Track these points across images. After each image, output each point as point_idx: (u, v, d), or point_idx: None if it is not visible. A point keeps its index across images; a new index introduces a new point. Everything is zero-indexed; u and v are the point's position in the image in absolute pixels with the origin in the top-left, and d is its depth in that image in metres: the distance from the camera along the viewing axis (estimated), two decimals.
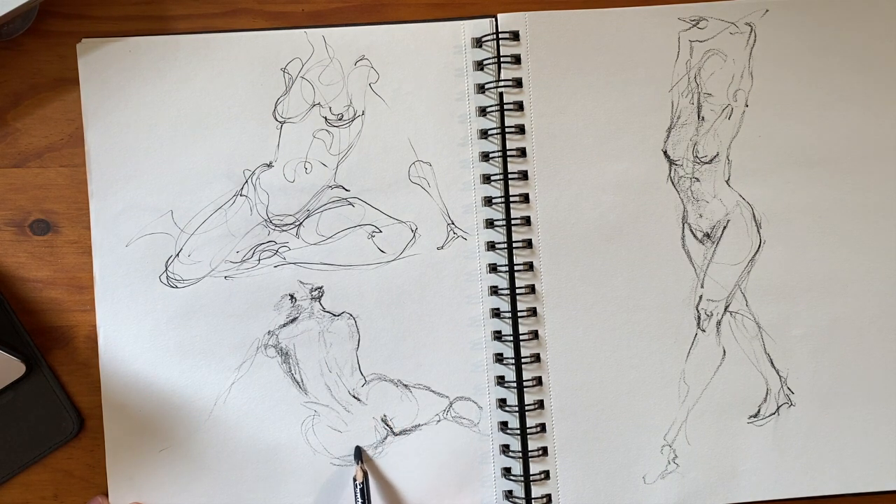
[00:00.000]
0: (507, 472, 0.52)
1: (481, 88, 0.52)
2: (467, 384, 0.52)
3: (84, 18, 0.52)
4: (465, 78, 0.52)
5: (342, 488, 0.51)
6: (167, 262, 0.51)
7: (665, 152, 0.52)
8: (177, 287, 0.51)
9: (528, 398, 0.52)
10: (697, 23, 0.52)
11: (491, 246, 0.52)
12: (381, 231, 0.52)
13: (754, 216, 0.53)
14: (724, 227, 0.53)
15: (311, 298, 0.51)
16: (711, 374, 0.52)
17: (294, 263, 0.52)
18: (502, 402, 0.52)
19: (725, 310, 0.53)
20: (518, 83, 0.52)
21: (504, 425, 0.52)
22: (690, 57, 0.52)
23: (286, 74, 0.51)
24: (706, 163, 0.53)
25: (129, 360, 0.51)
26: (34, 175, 0.52)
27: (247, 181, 0.51)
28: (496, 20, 0.52)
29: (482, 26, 0.52)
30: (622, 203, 0.52)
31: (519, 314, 0.52)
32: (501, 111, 0.52)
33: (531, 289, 0.52)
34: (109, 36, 0.51)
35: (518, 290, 0.52)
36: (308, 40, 0.51)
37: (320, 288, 0.52)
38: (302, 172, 0.52)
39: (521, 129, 0.52)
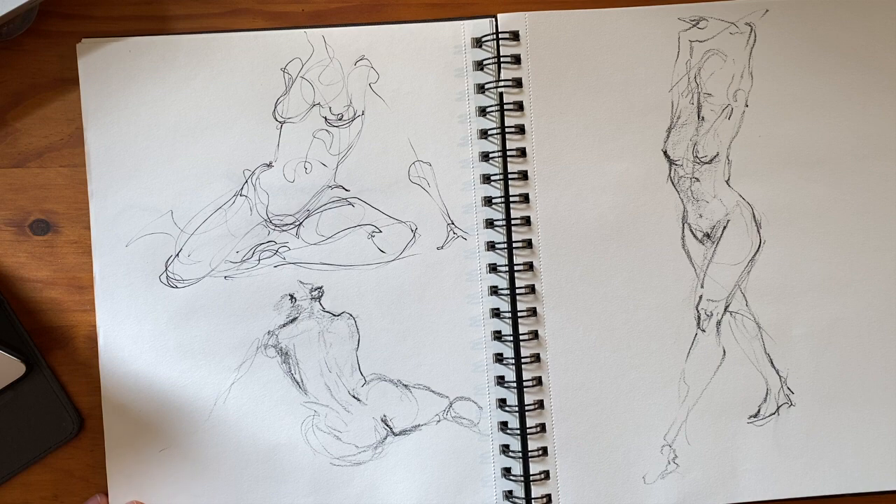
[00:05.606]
0: (507, 472, 0.52)
1: (481, 88, 0.52)
2: (467, 384, 0.52)
3: (84, 18, 0.52)
4: (465, 78, 0.52)
5: (342, 488, 0.51)
6: (167, 262, 0.51)
7: (665, 152, 0.52)
8: (177, 287, 0.51)
9: (528, 398, 0.52)
10: (697, 23, 0.52)
11: (491, 246, 0.52)
12: (381, 231, 0.52)
13: (754, 216, 0.53)
14: (724, 227, 0.53)
15: (311, 298, 0.51)
16: (711, 374, 0.52)
17: (294, 263, 0.52)
18: (502, 402, 0.52)
19: (725, 310, 0.53)
20: (518, 83, 0.52)
21: (504, 425, 0.52)
22: (690, 57, 0.52)
23: (286, 74, 0.51)
24: (706, 163, 0.53)
25: (129, 360, 0.51)
26: (34, 175, 0.52)
27: (247, 181, 0.51)
28: (496, 20, 0.52)
29: (482, 26, 0.52)
30: (622, 203, 0.52)
31: (519, 314, 0.52)
32: (501, 111, 0.52)
33: (531, 289, 0.52)
34: (109, 36, 0.51)
35: (518, 290, 0.52)
36: (308, 40, 0.51)
37: (320, 288, 0.52)
38: (302, 172, 0.52)
39: (521, 129, 0.52)
